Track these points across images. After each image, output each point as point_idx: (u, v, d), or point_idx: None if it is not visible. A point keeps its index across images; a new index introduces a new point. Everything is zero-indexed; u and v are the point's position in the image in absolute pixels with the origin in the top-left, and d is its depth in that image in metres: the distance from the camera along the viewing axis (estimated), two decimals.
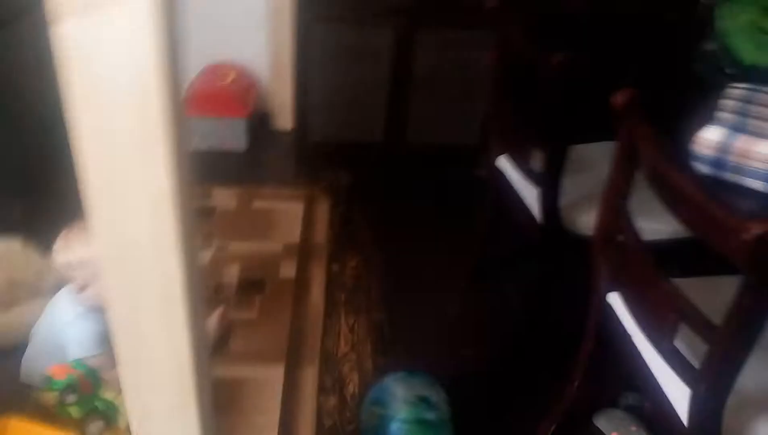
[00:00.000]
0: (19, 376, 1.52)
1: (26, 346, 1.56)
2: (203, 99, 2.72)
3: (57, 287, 1.59)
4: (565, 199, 1.53)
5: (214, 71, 2.86)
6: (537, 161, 1.49)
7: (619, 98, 1.09)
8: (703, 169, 1.18)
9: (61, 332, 1.47)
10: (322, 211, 2.44)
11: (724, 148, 1.14)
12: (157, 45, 0.57)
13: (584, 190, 1.54)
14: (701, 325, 0.92)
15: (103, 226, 0.74)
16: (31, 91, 2.02)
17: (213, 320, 1.69)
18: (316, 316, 1.92)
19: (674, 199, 0.95)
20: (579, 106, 1.35)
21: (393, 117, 2.60)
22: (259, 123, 2.97)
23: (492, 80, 1.70)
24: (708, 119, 1.20)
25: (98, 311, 1.38)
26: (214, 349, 1.63)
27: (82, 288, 1.43)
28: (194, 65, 2.90)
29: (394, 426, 1.44)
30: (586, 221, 1.56)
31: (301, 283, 2.05)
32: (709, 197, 0.84)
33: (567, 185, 1.53)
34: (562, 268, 1.63)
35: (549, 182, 1.45)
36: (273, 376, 1.69)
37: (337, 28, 2.40)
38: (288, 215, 2.38)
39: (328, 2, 2.36)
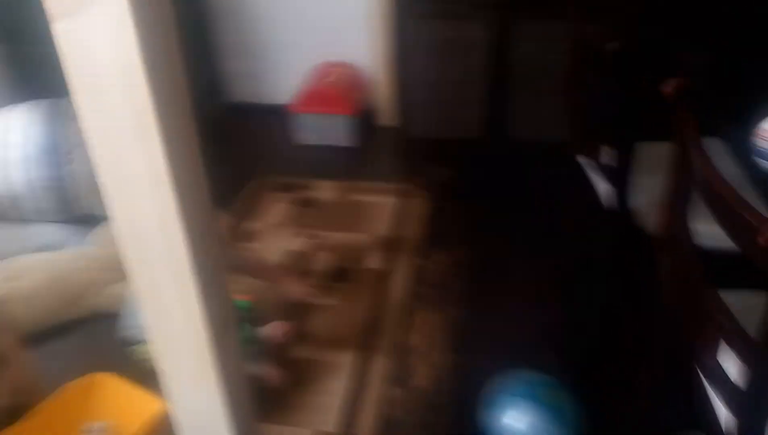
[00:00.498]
0: (117, 335, 1.70)
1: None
2: (312, 97, 2.86)
3: None
4: (639, 199, 1.43)
5: (324, 70, 3.00)
6: (607, 157, 1.41)
7: (667, 88, 1.01)
8: (765, 164, 1.04)
9: None
10: (416, 206, 2.47)
11: None
12: (139, 39, 0.63)
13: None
14: (737, 341, 0.83)
15: (115, 204, 0.82)
16: None
17: (271, 329, 1.78)
18: (394, 307, 1.96)
19: (709, 197, 0.86)
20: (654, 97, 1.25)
21: (492, 112, 2.56)
22: (366, 119, 3.07)
23: (567, 74, 1.62)
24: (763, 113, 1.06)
25: None
26: (271, 353, 1.72)
27: None
28: (306, 64, 3.06)
29: None
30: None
31: (384, 274, 2.10)
32: (736, 195, 0.75)
33: (644, 184, 1.43)
34: (638, 274, 1.52)
35: (618, 180, 1.36)
36: (342, 360, 1.76)
37: (434, 24, 2.41)
38: (382, 209, 2.45)
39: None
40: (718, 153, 1.53)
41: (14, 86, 2.40)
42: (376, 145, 2.92)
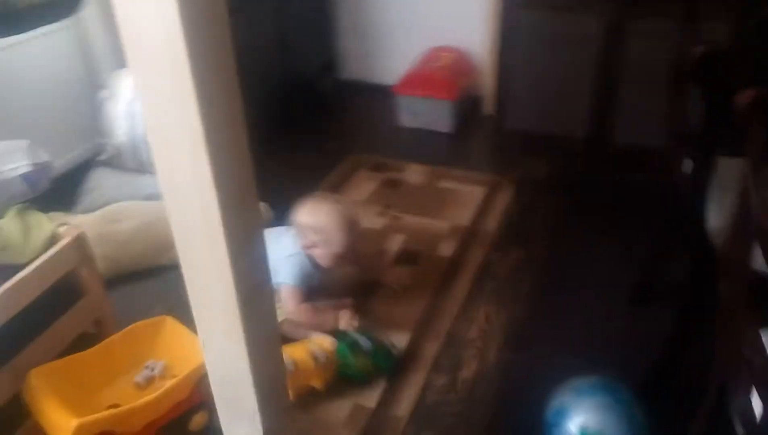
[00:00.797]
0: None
1: None
2: (416, 80, 2.87)
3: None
4: (714, 219, 1.31)
5: (434, 54, 3.00)
6: (688, 170, 1.29)
7: (743, 98, 0.91)
8: None
9: (277, 259, 1.76)
10: (503, 199, 2.41)
11: None
12: (180, 13, 0.69)
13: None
14: (759, 379, 0.74)
15: (160, 166, 0.89)
16: None
17: (340, 317, 1.81)
18: (458, 297, 1.94)
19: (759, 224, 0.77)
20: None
21: (598, 112, 2.43)
22: (471, 107, 3.03)
23: (670, 77, 1.50)
24: None
25: (310, 262, 1.78)
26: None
27: (308, 246, 1.76)
28: (417, 47, 3.08)
29: None
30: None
31: (455, 263, 2.08)
32: None
33: (723, 203, 1.30)
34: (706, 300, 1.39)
35: (695, 196, 1.25)
36: (396, 341, 1.77)
37: (544, 15, 2.32)
38: (468, 198, 2.42)
39: None
40: None
41: None
42: (476, 134, 2.89)
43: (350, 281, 1.99)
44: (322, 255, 1.76)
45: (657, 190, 2.08)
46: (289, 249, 1.78)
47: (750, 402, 0.83)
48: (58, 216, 2.10)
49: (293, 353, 1.58)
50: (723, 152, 1.20)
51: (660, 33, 2.11)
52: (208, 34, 0.79)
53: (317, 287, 1.83)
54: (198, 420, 1.49)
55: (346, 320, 1.75)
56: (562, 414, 1.42)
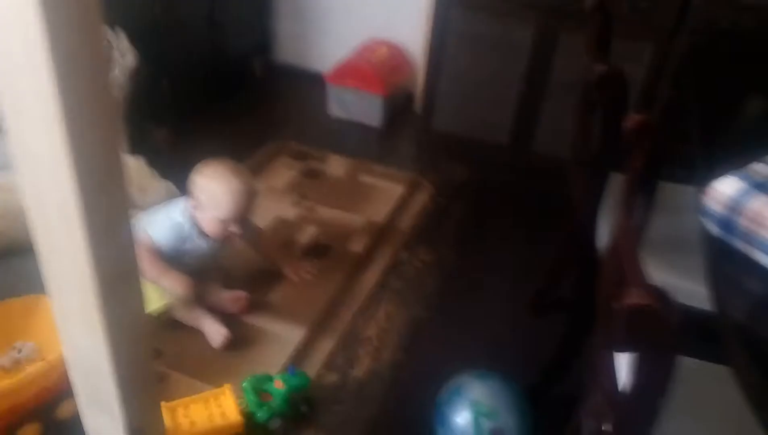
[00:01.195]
0: None
1: None
2: (349, 71, 2.83)
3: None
4: (602, 238, 1.33)
5: (371, 46, 2.96)
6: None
7: (628, 123, 0.91)
8: (713, 229, 0.92)
9: (157, 219, 1.72)
10: (420, 199, 2.40)
11: (734, 206, 0.87)
12: None
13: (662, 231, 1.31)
14: (604, 405, 0.75)
15: (13, 135, 0.82)
16: None
17: (230, 298, 1.78)
18: (361, 295, 1.92)
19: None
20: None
21: (521, 121, 2.45)
22: (403, 103, 3.01)
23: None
24: (736, 168, 0.93)
25: (193, 228, 1.70)
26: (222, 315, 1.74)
27: (195, 206, 1.68)
28: (356, 37, 3.03)
29: None
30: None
31: (364, 260, 2.06)
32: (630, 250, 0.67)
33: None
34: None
35: (583, 214, 1.27)
36: (291, 336, 1.74)
37: (477, 17, 2.31)
38: (385, 195, 2.40)
39: None
40: (683, 206, 1.40)
41: None
42: (403, 132, 2.87)
43: (252, 262, 1.94)
44: (207, 219, 1.67)
45: (568, 203, 2.12)
46: (173, 212, 1.72)
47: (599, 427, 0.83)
48: None
49: (191, 412, 1.46)
50: (617, 170, 1.21)
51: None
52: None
53: (203, 259, 1.76)
54: (66, 407, 1.41)
55: (177, 285, 1.65)
56: (455, 392, 1.45)
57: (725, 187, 0.90)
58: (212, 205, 1.65)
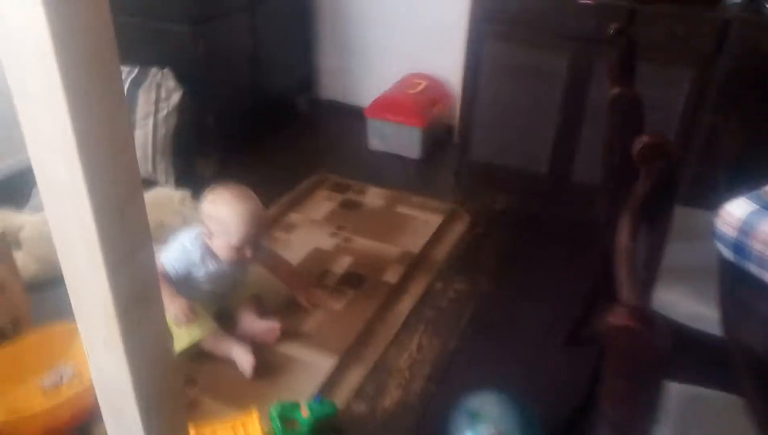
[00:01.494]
0: None
1: None
2: (387, 104, 2.88)
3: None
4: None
5: (409, 80, 3.00)
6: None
7: (638, 145, 0.89)
8: (726, 253, 0.88)
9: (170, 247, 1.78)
10: (457, 229, 2.39)
11: (746, 229, 0.83)
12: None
13: (675, 261, 1.27)
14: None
15: (37, 168, 0.88)
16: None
17: (264, 328, 1.81)
18: (394, 324, 1.92)
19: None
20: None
21: (559, 150, 2.42)
22: (442, 135, 3.04)
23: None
24: (748, 189, 0.89)
25: (205, 253, 1.74)
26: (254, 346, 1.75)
27: (208, 235, 1.72)
28: (396, 72, 3.09)
29: None
30: (667, 300, 1.30)
31: (398, 290, 2.06)
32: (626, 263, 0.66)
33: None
34: None
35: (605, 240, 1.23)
36: (321, 364, 1.75)
37: (511, 48, 2.32)
38: (422, 225, 2.40)
39: (504, 19, 2.29)
40: (699, 232, 1.35)
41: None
42: (441, 162, 2.88)
43: (279, 290, 1.97)
44: (220, 245, 1.71)
45: (607, 233, 2.06)
46: (184, 239, 1.76)
47: None
48: (5, 213, 2.09)
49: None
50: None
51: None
52: (81, 28, 0.79)
53: (215, 281, 1.79)
54: (101, 429, 1.46)
55: (179, 312, 1.67)
56: (459, 408, 1.47)
57: (736, 210, 0.87)
58: (223, 231, 1.68)
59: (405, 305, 2.00)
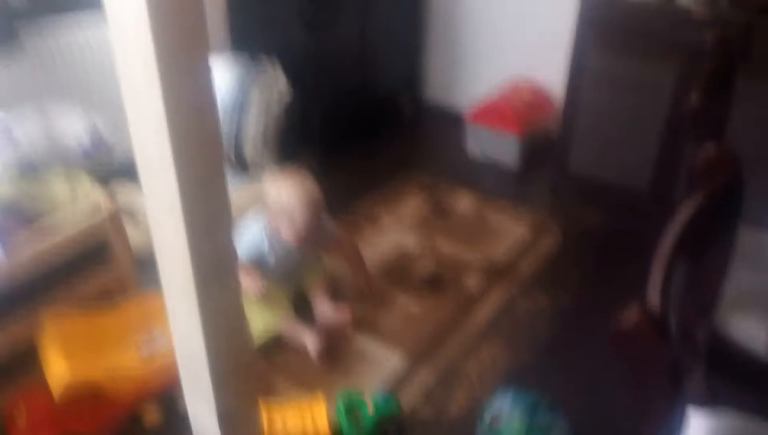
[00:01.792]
0: None
1: None
2: (488, 111, 2.87)
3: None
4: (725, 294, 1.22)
5: (513, 87, 2.98)
6: None
7: (706, 153, 0.86)
8: None
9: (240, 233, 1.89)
10: (545, 242, 2.35)
11: None
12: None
13: (753, 288, 1.20)
14: None
15: (133, 139, 0.99)
16: None
17: (335, 311, 1.88)
18: (468, 331, 1.93)
19: None
20: None
21: (662, 167, 2.31)
22: (541, 144, 2.98)
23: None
24: None
25: (272, 240, 1.83)
26: (327, 336, 1.82)
27: (273, 220, 1.83)
28: (502, 75, 3.07)
29: None
30: (743, 329, 1.22)
31: (476, 296, 2.06)
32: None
33: (739, 276, 1.22)
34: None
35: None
36: (391, 360, 1.80)
37: (614, 58, 2.24)
38: (510, 235, 2.38)
39: (611, 28, 2.22)
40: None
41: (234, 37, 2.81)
42: (539, 172, 2.83)
43: (321, 269, 2.04)
44: (283, 229, 1.80)
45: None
46: (253, 226, 1.86)
47: None
48: (125, 185, 2.32)
49: (286, 417, 1.57)
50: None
51: (741, 92, 1.98)
52: (177, 29, 0.89)
53: (284, 265, 1.88)
54: None
55: (251, 284, 1.77)
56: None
57: None
58: (285, 214, 1.78)
59: (483, 314, 2.00)
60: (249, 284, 1.78)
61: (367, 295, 2.02)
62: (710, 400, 1.08)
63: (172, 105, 0.91)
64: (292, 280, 1.92)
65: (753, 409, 0.96)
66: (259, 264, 1.85)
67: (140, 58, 0.88)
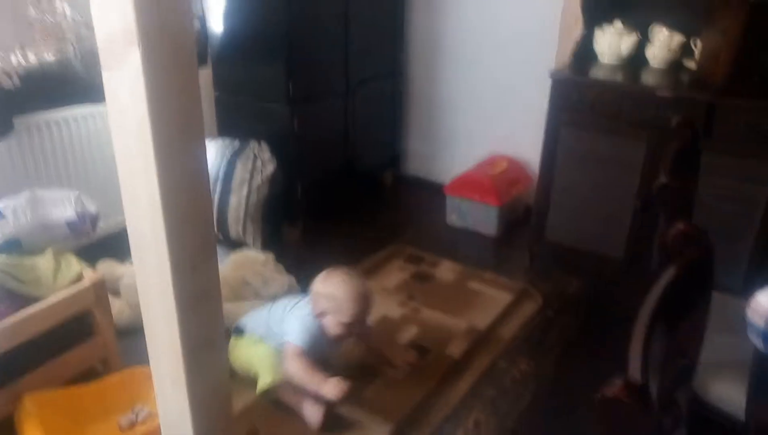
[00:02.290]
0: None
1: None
2: (467, 183, 2.97)
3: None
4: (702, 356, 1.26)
5: (490, 160, 3.09)
6: None
7: (672, 233, 0.92)
8: (757, 343, 0.85)
9: (285, 321, 1.88)
10: (527, 309, 2.39)
11: None
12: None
13: (727, 352, 1.23)
14: None
15: (129, 225, 1.03)
16: None
17: (331, 385, 1.81)
18: (452, 399, 1.92)
19: None
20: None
21: (636, 236, 2.39)
22: (520, 215, 3.07)
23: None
24: None
25: (320, 330, 1.83)
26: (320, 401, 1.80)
27: (320, 314, 1.84)
28: (479, 153, 3.20)
29: None
30: (720, 393, 1.25)
31: (461, 366, 2.07)
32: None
33: (713, 341, 1.26)
34: None
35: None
36: (378, 430, 1.78)
37: (588, 135, 2.36)
38: (492, 302, 2.42)
39: (581, 108, 2.35)
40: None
41: (221, 126, 2.91)
42: (517, 242, 2.90)
43: (355, 357, 2.04)
44: (332, 323, 1.82)
45: None
46: (302, 311, 1.88)
47: None
48: (108, 263, 2.33)
49: None
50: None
51: (715, 168, 2.08)
52: (173, 110, 0.94)
53: (323, 356, 1.88)
54: None
55: (331, 388, 1.74)
56: None
57: (766, 299, 0.86)
58: (335, 309, 1.81)
59: (466, 381, 2.01)
60: (329, 388, 1.75)
61: (405, 370, 2.02)
62: None
63: (167, 183, 0.96)
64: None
65: None
66: (313, 351, 1.83)
67: (138, 141, 0.93)
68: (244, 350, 1.91)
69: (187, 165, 1.00)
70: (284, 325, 1.87)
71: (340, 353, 2.01)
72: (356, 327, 1.86)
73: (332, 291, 1.82)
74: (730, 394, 1.23)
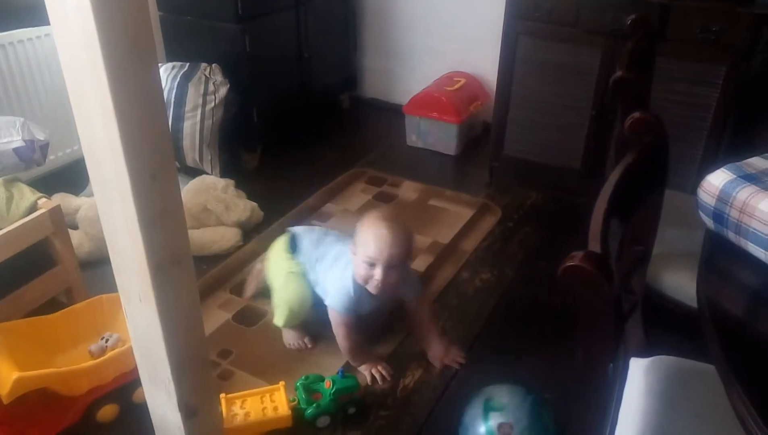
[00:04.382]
0: None
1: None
2: (425, 102, 2.95)
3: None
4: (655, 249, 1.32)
5: (448, 78, 3.07)
6: None
7: (630, 121, 0.94)
8: (707, 222, 0.91)
9: (327, 280, 1.79)
10: (488, 223, 2.44)
11: (724, 197, 0.85)
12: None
13: (679, 245, 1.30)
14: None
15: (79, 126, 1.00)
16: None
17: (367, 372, 1.78)
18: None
19: None
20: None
21: (593, 146, 2.44)
22: (481, 131, 3.09)
23: None
24: (731, 162, 0.91)
25: (359, 292, 1.70)
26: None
27: (353, 251, 1.68)
28: (436, 71, 3.16)
29: None
30: (672, 282, 1.32)
31: (425, 278, 2.12)
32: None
33: (666, 235, 1.31)
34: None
35: None
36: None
37: (544, 45, 2.36)
38: (454, 218, 2.46)
39: (537, 16, 2.33)
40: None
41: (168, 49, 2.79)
42: (477, 158, 2.93)
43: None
44: (358, 262, 1.65)
45: None
46: (341, 272, 1.75)
47: None
48: (63, 196, 2.26)
49: (247, 405, 1.57)
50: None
51: (668, 74, 2.11)
52: (123, 26, 0.90)
53: (369, 313, 1.78)
54: (142, 392, 1.58)
55: (368, 375, 1.75)
56: (474, 397, 1.50)
57: (715, 179, 0.90)
58: (361, 245, 1.65)
59: (431, 292, 2.06)
60: (368, 367, 1.74)
61: (445, 364, 1.81)
62: (648, 348, 1.17)
63: (120, 96, 0.93)
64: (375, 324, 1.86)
65: (687, 355, 1.05)
66: (351, 311, 1.73)
67: (89, 63, 0.89)
68: (283, 273, 1.83)
69: (139, 76, 0.97)
70: (327, 284, 1.78)
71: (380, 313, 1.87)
72: (380, 272, 1.61)
73: (363, 226, 1.67)
74: (681, 283, 1.30)
